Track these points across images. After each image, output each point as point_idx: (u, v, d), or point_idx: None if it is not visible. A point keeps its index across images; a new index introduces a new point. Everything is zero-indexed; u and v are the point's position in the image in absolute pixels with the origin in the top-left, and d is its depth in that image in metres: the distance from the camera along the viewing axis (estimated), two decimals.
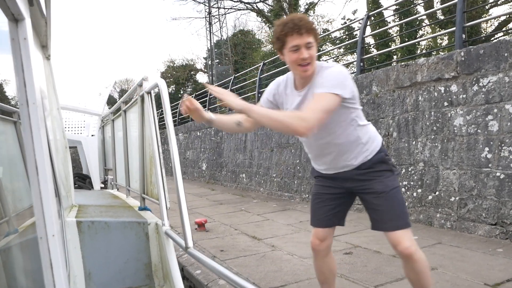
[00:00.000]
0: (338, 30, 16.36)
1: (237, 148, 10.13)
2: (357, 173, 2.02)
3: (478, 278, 2.86)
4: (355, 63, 7.05)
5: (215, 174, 11.57)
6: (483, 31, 13.04)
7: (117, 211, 3.46)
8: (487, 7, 12.47)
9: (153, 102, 2.78)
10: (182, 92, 29.25)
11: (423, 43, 15.00)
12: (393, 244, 1.94)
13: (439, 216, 4.51)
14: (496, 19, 12.67)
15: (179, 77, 29.33)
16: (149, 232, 2.93)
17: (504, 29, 12.49)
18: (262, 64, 10.18)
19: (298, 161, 7.37)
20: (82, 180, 7.61)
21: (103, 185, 7.56)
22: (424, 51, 13.94)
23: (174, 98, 26.12)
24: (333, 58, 17.10)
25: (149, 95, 2.79)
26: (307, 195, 6.95)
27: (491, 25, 14.72)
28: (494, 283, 2.76)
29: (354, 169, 2.02)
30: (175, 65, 30.83)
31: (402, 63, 5.21)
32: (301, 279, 3.10)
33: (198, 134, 13.26)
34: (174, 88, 29.66)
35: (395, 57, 14.32)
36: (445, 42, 15.14)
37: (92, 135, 7.59)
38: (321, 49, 14.77)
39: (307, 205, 6.58)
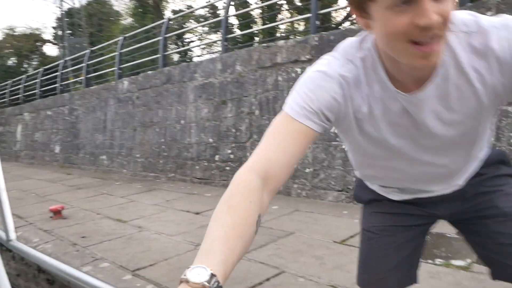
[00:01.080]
0: (202, 8, 16.31)
1: (96, 128, 9.46)
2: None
3: (328, 237, 3.24)
4: (219, 42, 7.15)
5: (71, 157, 10.64)
6: (333, 20, 14.43)
7: None
8: None
9: None
10: (26, 65, 25.92)
11: (282, 26, 15.93)
12: None
13: (296, 186, 4.94)
14: (344, 9, 14.15)
15: (22, 48, 25.85)
16: None
17: (350, 18, 14.01)
18: (122, 38, 9.59)
19: (163, 140, 7.23)
20: None
21: None
22: (283, 35, 14.82)
23: (16, 72, 22.98)
24: (196, 36, 17.04)
25: None
26: (173, 174, 6.90)
27: (340, 15, 16.38)
28: (341, 240, 3.17)
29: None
30: (15, 33, 27.02)
31: (264, 45, 5.48)
32: (170, 256, 3.10)
33: (49, 113, 11.96)
34: (16, 61, 26.06)
35: (257, 38, 14.93)
36: (301, 27, 16.36)
37: None
38: (184, 26, 14.57)
39: (174, 184, 6.56)
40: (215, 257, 0.66)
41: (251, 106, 5.58)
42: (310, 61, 4.84)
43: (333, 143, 4.58)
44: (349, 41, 0.91)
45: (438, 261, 2.66)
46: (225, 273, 0.66)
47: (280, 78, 5.20)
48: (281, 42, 5.23)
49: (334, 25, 11.24)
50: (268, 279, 2.53)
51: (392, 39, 0.75)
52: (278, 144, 0.84)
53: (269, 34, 14.00)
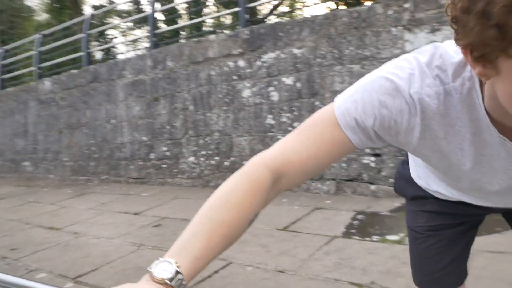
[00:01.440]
0: (125, 3, 15.70)
1: (16, 133, 8.78)
2: None
3: (271, 225, 3.33)
4: (145, 38, 6.95)
5: None
6: (258, 13, 14.62)
7: None
8: None
9: None
10: None
11: (210, 21, 15.83)
12: None
13: None
14: (270, 2, 14.39)
15: None
16: None
17: (275, 12, 14.30)
18: (41, 36, 8.96)
19: (92, 141, 6.90)
20: None
21: None
22: (211, 29, 14.74)
23: None
24: (120, 32, 16.39)
25: None
26: (106, 176, 6.63)
27: (265, 8, 16.62)
28: (283, 227, 3.28)
29: None
30: None
31: (195, 39, 5.44)
32: (112, 259, 3.00)
33: None
34: None
35: (183, 33, 14.71)
36: (228, 21, 16.37)
37: None
38: (106, 22, 13.96)
39: (108, 185, 6.31)
40: (190, 254, 0.61)
41: (185, 102, 5.52)
42: (242, 55, 4.89)
43: (269, 134, 4.69)
44: (453, 52, 0.68)
45: (374, 237, 2.85)
46: (195, 271, 0.61)
47: (213, 73, 5.19)
48: (212, 37, 5.22)
49: (261, 18, 11.42)
50: (217, 271, 2.56)
51: None
52: (307, 147, 0.72)
53: (196, 29, 13.87)
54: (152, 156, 5.87)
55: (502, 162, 0.73)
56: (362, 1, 11.59)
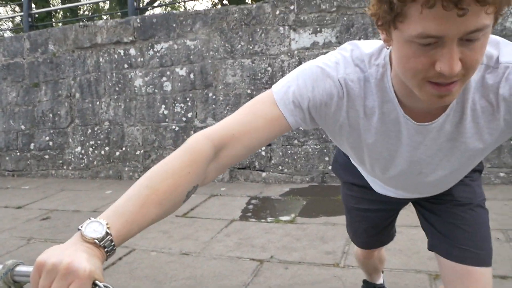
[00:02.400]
0: None
1: None
2: None
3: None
4: (17, 18, 6.32)
5: None
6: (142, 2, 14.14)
7: None
8: None
9: None
10: None
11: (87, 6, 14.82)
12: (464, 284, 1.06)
13: (127, 169, 4.93)
14: None
15: None
16: None
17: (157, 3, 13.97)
18: None
19: None
20: None
21: None
22: (89, 14, 13.82)
23: None
24: None
25: None
26: None
27: None
28: (183, 214, 3.40)
29: None
30: None
31: (81, 24, 5.15)
32: (0, 254, 2.81)
33: None
34: None
35: (58, 15, 13.54)
36: (107, 7, 15.46)
37: None
38: None
39: None
40: (122, 216, 0.63)
41: (70, 89, 5.21)
42: (133, 43, 4.81)
43: (163, 124, 4.73)
44: (367, 47, 0.83)
45: (269, 219, 3.16)
46: (126, 235, 0.63)
47: (101, 60, 5.00)
48: (101, 22, 5.02)
49: (145, 7, 11.10)
50: (120, 258, 2.60)
51: (408, 74, 0.69)
52: (248, 121, 0.79)
53: (72, 12, 12.87)
54: (32, 146, 5.43)
55: (405, 138, 0.86)
56: None
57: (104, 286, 0.55)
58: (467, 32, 0.59)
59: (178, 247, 2.74)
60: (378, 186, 1.18)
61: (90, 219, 0.61)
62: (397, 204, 1.25)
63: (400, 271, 2.20)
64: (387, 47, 0.76)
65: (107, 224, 0.61)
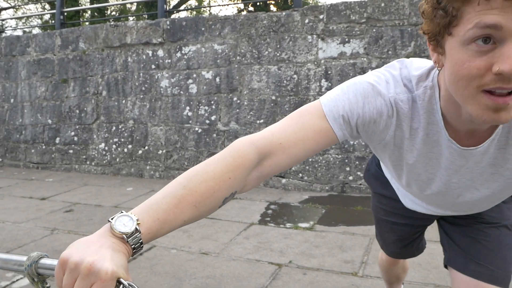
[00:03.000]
0: None
1: None
2: None
3: None
4: (47, 16, 6.50)
5: None
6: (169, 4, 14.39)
7: None
8: None
9: None
10: None
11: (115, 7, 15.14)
12: None
13: (149, 168, 5.00)
14: None
15: None
16: None
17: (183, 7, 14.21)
18: None
19: None
20: None
21: None
22: (116, 14, 14.11)
23: None
24: (11, 5, 14.82)
25: None
26: (0, 159, 6.08)
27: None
28: None
29: None
30: None
31: (112, 23, 5.28)
32: (25, 243, 2.88)
33: None
34: None
35: (86, 15, 13.87)
36: (133, 8, 15.77)
37: None
38: None
39: (2, 170, 5.79)
40: (154, 214, 0.61)
41: (97, 87, 5.33)
42: (161, 44, 4.90)
43: (186, 125, 4.79)
44: (415, 67, 0.82)
45: (288, 225, 3.17)
46: (155, 233, 0.61)
47: (130, 59, 5.12)
48: (131, 23, 5.14)
49: (172, 10, 11.28)
50: (141, 254, 2.64)
51: (461, 83, 0.64)
52: (296, 131, 0.76)
53: (100, 12, 13.15)
54: (57, 140, 5.56)
55: (446, 161, 0.84)
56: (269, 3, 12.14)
57: (129, 284, 0.54)
58: None
59: (198, 246, 2.77)
60: (409, 200, 1.16)
61: (121, 212, 0.60)
62: (425, 220, 1.24)
63: (419, 284, 2.18)
64: (438, 69, 0.75)
65: (137, 220, 0.59)
